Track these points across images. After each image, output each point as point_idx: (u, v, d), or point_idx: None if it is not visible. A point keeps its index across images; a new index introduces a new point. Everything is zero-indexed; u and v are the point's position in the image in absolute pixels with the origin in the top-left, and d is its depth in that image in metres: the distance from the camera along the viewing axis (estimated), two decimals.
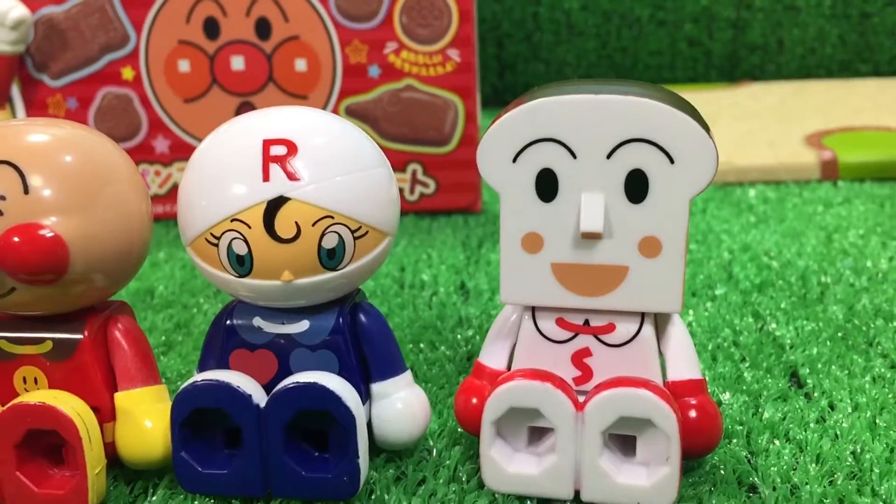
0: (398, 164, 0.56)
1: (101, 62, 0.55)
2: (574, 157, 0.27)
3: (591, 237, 0.27)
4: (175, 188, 0.57)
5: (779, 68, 0.88)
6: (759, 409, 0.33)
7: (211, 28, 0.54)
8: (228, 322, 0.29)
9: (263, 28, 0.54)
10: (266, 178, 0.27)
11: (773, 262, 0.47)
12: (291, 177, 0.27)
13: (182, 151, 0.56)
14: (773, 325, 0.39)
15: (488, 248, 0.51)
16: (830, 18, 0.86)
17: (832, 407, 0.33)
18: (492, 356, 0.30)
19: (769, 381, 0.35)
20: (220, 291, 0.46)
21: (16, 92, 0.56)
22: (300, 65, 0.55)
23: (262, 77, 0.55)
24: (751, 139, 0.66)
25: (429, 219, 0.57)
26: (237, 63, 0.55)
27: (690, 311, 0.41)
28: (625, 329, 0.28)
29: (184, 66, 0.55)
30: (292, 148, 0.27)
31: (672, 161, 0.26)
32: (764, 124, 0.70)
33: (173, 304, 0.45)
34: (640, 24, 0.88)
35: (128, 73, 0.55)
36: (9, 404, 0.27)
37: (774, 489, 0.28)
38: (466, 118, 0.55)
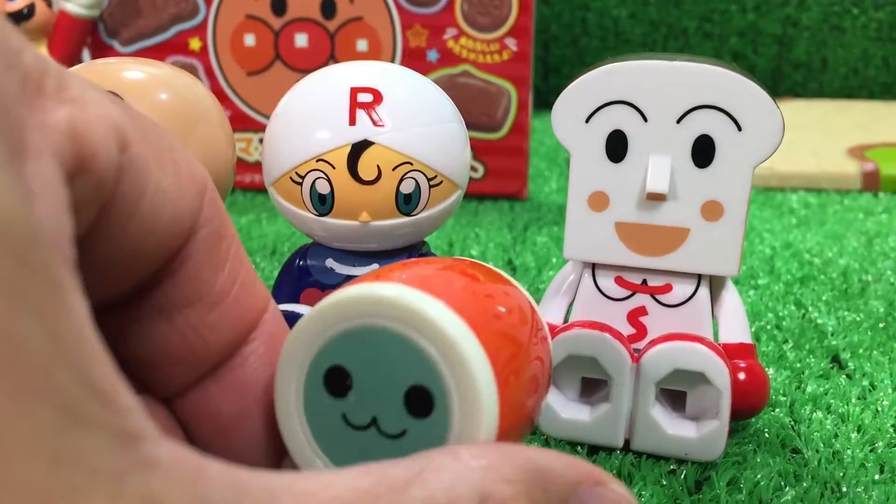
0: None
1: (171, 31, 0.57)
2: (645, 120, 0.28)
3: (656, 198, 0.29)
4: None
5: (821, 86, 0.89)
6: (802, 385, 0.34)
7: (278, 5, 0.56)
8: (301, 263, 0.31)
9: (329, 7, 0.56)
10: (352, 122, 0.28)
11: (815, 259, 0.48)
12: (376, 123, 0.28)
13: (242, 122, 0.58)
14: (815, 314, 0.40)
15: (534, 231, 0.52)
16: (875, 41, 0.87)
17: (873, 387, 0.34)
18: (549, 312, 0.31)
19: (811, 360, 0.36)
20: (275, 251, 0.47)
21: (86, 56, 0.58)
22: (361, 45, 0.57)
23: (324, 55, 0.57)
24: (794, 148, 0.67)
25: (475, 202, 0.58)
26: (301, 40, 0.57)
27: None
28: (681, 290, 0.30)
29: (249, 40, 0.57)
30: (378, 96, 0.28)
31: (739, 128, 0.28)
32: (807, 136, 0.71)
33: None
34: (687, 35, 0.89)
35: (195, 44, 0.57)
36: None
37: (817, 451, 0.29)
38: (519, 106, 0.57)
